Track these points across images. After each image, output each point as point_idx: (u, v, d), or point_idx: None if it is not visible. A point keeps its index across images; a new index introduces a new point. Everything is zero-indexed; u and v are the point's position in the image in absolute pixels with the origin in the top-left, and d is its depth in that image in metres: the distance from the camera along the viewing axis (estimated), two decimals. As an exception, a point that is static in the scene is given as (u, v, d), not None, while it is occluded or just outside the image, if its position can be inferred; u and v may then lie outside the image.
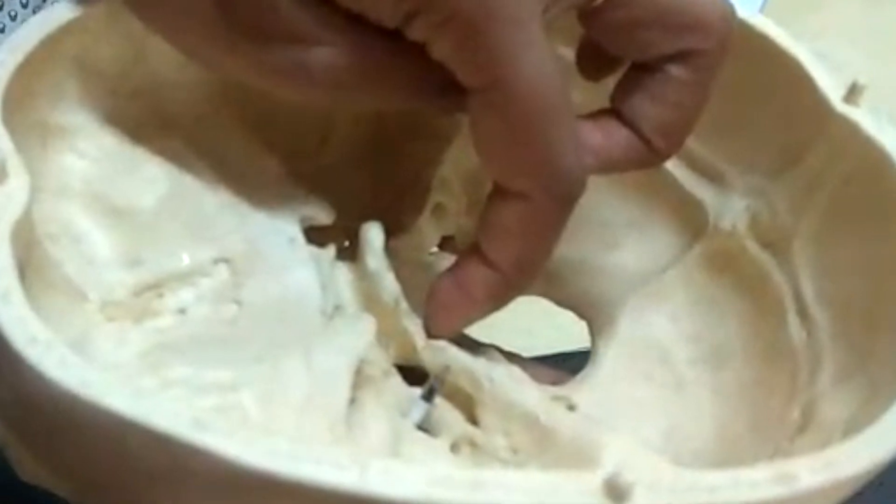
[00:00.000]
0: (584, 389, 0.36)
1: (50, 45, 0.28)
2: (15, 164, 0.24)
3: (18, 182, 0.24)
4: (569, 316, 0.40)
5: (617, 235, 0.39)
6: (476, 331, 0.39)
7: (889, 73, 0.78)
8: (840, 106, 0.32)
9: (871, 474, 0.23)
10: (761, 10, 0.88)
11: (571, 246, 0.39)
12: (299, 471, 0.20)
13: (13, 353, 0.21)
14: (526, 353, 0.38)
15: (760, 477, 0.22)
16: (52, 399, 0.21)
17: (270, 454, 0.20)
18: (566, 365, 0.39)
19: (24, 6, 0.52)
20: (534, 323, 0.56)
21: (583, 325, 0.40)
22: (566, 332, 0.44)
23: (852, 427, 0.28)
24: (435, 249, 0.39)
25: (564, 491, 0.21)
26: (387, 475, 0.20)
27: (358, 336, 0.30)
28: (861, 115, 0.32)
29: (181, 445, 0.20)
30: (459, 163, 0.38)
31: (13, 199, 0.24)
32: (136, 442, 0.21)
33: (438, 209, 0.38)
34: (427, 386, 0.32)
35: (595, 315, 0.39)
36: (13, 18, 0.52)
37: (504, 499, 0.20)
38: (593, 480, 0.21)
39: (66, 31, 0.28)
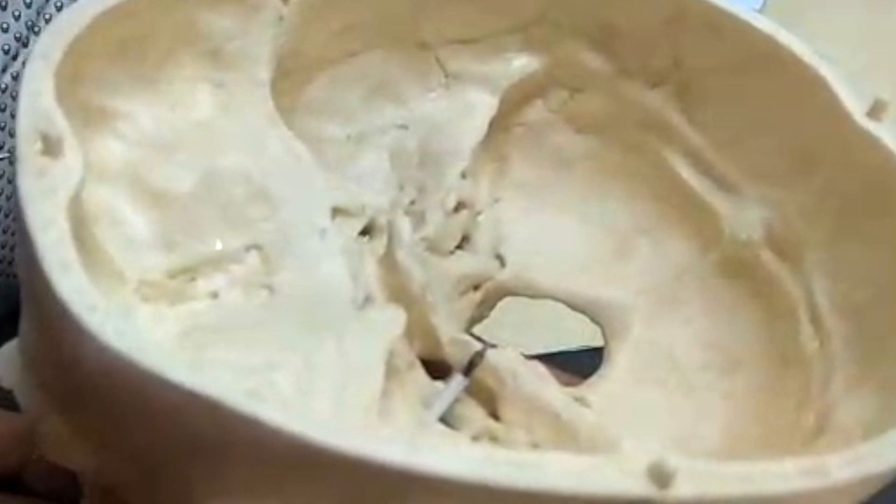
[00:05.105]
0: (597, 392, 0.36)
1: (97, 28, 0.28)
2: (70, 140, 0.25)
3: (74, 158, 0.25)
4: (572, 315, 0.41)
5: (631, 241, 0.40)
6: (481, 329, 0.39)
7: (891, 75, 0.79)
8: (862, 121, 0.33)
9: (896, 473, 0.24)
10: (761, 9, 0.89)
11: (585, 250, 0.40)
12: (350, 444, 0.20)
13: (73, 322, 0.21)
14: (529, 352, 0.39)
15: (792, 469, 0.22)
16: (108, 367, 0.21)
17: (322, 427, 0.21)
18: (570, 364, 0.39)
19: (28, 6, 0.52)
20: (538, 321, 0.56)
21: (587, 323, 0.40)
22: (570, 330, 0.44)
23: (870, 435, 0.29)
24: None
25: (609, 474, 0.21)
26: (434, 451, 0.21)
27: (390, 327, 0.30)
28: (883, 131, 0.33)
29: (234, 415, 0.21)
30: (482, 161, 0.38)
31: (69, 175, 0.24)
32: (189, 411, 0.21)
33: (461, 206, 0.38)
34: (468, 360, 0.32)
35: (608, 319, 0.39)
36: (17, 18, 0.52)
37: (549, 479, 0.21)
38: (637, 464, 0.21)
39: (112, 14, 0.28)
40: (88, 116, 0.30)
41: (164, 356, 0.21)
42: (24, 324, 0.26)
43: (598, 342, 0.39)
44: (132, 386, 0.21)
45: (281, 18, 0.33)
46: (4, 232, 0.53)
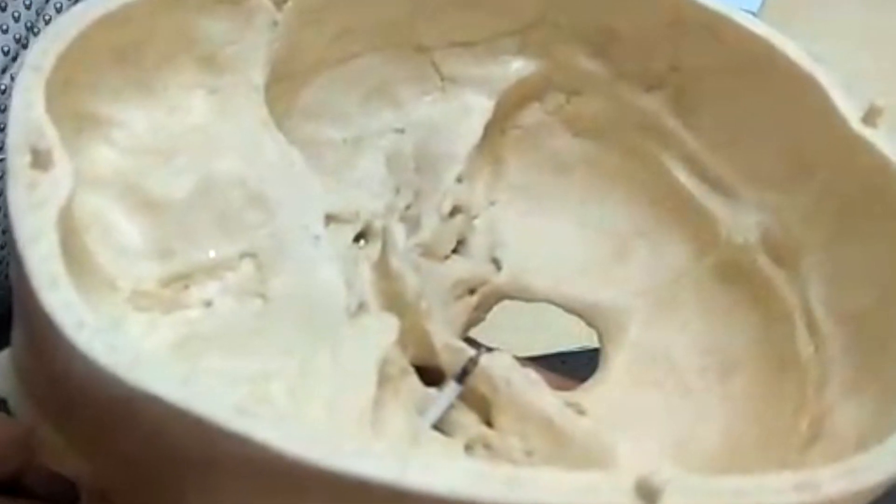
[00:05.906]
0: (594, 396, 0.36)
1: (93, 34, 0.28)
2: (60, 152, 0.25)
3: (63, 170, 0.24)
4: (569, 315, 0.41)
5: (628, 245, 0.40)
6: (476, 332, 0.39)
7: (888, 75, 0.79)
8: (858, 127, 0.33)
9: (891, 483, 0.24)
10: (759, 10, 0.88)
11: (582, 254, 0.40)
12: (340, 462, 0.20)
13: (62, 338, 0.21)
14: (526, 353, 0.39)
15: (784, 483, 0.22)
16: (97, 382, 0.21)
17: (312, 444, 0.21)
18: (567, 365, 0.39)
19: (28, 7, 0.52)
20: (535, 322, 0.56)
21: (582, 325, 0.40)
22: (567, 331, 0.44)
23: (866, 439, 0.29)
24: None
25: (598, 490, 0.21)
26: (426, 469, 0.21)
27: (384, 335, 0.30)
28: (878, 136, 0.32)
29: (222, 432, 0.21)
30: (478, 164, 0.38)
31: (59, 187, 0.24)
32: (178, 427, 0.21)
33: (457, 210, 0.38)
34: (461, 367, 0.32)
35: (604, 322, 0.39)
36: (16, 19, 0.52)
37: (539, 496, 0.21)
38: (626, 480, 0.21)
39: (109, 19, 0.28)
40: (82, 124, 0.29)
41: (153, 371, 0.21)
42: (16, 336, 0.26)
43: (596, 343, 0.39)
44: (121, 401, 0.21)
45: (275, 23, 0.33)
46: (4, 233, 0.53)
